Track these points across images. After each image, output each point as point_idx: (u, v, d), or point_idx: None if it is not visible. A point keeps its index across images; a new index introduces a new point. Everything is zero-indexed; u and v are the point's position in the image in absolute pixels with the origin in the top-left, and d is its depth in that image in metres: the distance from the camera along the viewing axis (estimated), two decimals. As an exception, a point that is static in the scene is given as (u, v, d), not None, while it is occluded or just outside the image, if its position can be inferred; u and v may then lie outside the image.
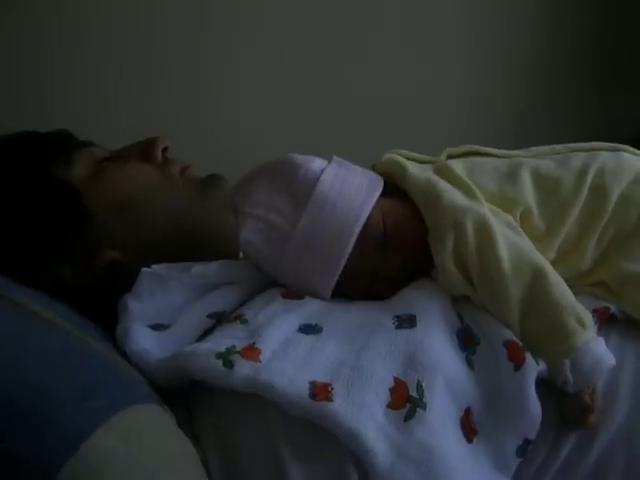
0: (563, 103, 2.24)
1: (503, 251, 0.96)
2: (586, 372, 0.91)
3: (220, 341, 0.91)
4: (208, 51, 2.10)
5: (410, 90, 2.25)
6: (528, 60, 2.25)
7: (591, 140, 1.16)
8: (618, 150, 1.12)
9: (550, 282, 0.95)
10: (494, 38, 2.24)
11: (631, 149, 1.13)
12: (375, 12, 2.18)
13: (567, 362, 0.91)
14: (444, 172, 1.07)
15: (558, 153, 1.13)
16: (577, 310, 0.94)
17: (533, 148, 1.15)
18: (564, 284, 0.97)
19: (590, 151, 1.12)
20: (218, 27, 2.07)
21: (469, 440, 0.90)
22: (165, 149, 1.21)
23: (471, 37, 2.24)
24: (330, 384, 0.85)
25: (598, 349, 0.93)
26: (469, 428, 0.90)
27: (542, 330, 0.93)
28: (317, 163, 1.05)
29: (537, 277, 0.95)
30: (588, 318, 0.94)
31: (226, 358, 0.87)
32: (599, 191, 1.04)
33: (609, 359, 0.93)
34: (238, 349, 0.88)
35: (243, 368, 0.86)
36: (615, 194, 1.04)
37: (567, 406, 0.93)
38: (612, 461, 0.94)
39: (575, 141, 1.16)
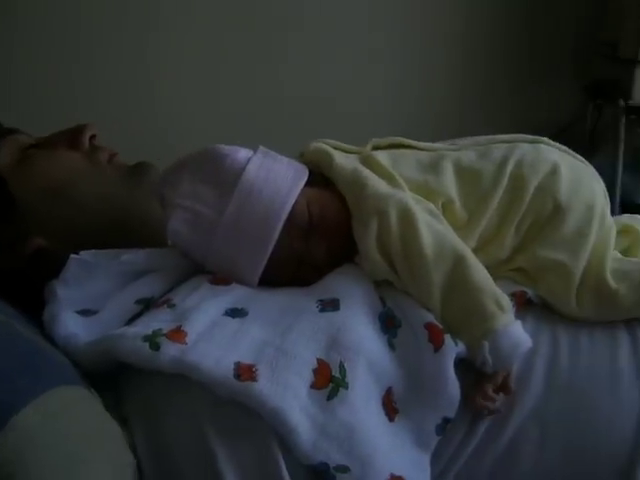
0: (491, 96, 2.30)
1: (426, 238, 0.99)
2: (504, 353, 0.95)
3: (147, 324, 0.92)
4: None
5: (332, 89, 2.28)
6: (447, 60, 2.30)
7: (513, 132, 1.20)
8: (537, 142, 1.16)
9: (470, 267, 0.99)
10: (413, 39, 2.29)
11: (548, 141, 1.17)
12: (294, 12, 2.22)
13: (486, 344, 0.94)
14: (369, 162, 1.10)
15: (480, 145, 1.16)
16: (496, 294, 0.98)
17: (456, 140, 1.18)
18: (484, 269, 1.00)
19: (510, 143, 1.15)
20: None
21: (390, 419, 0.92)
22: (93, 136, 1.21)
23: (390, 37, 2.28)
24: (254, 365, 0.87)
25: (516, 332, 0.96)
26: (390, 407, 0.93)
27: (462, 313, 0.97)
28: (243, 153, 1.07)
29: (458, 263, 0.99)
30: (506, 302, 0.98)
31: (152, 340, 0.88)
32: (518, 182, 1.08)
33: (526, 341, 0.96)
34: (164, 331, 0.89)
35: (169, 350, 0.87)
36: (532, 185, 1.08)
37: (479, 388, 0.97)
38: (525, 441, 0.98)
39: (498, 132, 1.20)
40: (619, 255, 1.12)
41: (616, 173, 1.98)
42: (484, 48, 2.26)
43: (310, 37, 2.23)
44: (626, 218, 1.22)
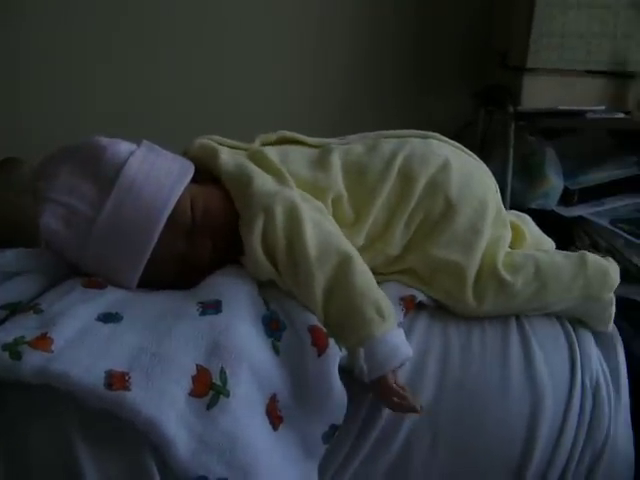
0: (386, 102, 2.30)
1: (310, 237, 0.96)
2: (379, 361, 0.91)
3: (9, 332, 0.84)
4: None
5: (230, 87, 2.25)
6: (350, 60, 2.29)
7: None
8: (428, 137, 1.15)
9: (355, 270, 0.95)
10: (315, 33, 2.27)
11: (440, 136, 1.16)
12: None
13: (362, 350, 0.91)
14: (257, 158, 1.06)
15: (369, 139, 1.14)
16: (378, 299, 0.95)
17: (346, 136, 1.16)
18: (369, 273, 0.98)
19: (401, 138, 1.13)
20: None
21: (275, 427, 0.88)
22: None
23: (294, 35, 2.26)
24: (128, 372, 0.81)
25: (395, 339, 0.94)
26: (275, 415, 0.89)
27: (342, 317, 0.93)
28: (124, 146, 1.00)
29: (342, 264, 0.95)
30: (388, 308, 0.95)
31: (13, 349, 0.81)
32: (407, 176, 1.06)
33: (406, 350, 0.94)
34: (27, 339, 0.82)
35: (32, 358, 0.80)
36: (422, 180, 1.06)
37: (373, 393, 0.94)
38: (417, 442, 0.96)
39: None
40: (509, 249, 1.11)
41: (506, 179, 2.01)
42: (374, 54, 2.27)
43: (212, 36, 2.20)
44: (512, 216, 1.22)
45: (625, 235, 2.06)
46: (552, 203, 2.11)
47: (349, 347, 0.92)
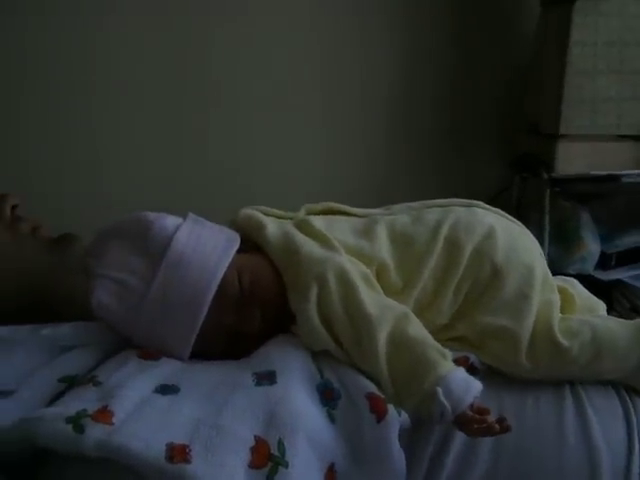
0: (423, 169, 2.34)
1: (366, 298, 0.97)
2: (459, 395, 0.91)
3: (70, 405, 0.85)
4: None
5: (269, 153, 2.29)
6: (387, 124, 2.34)
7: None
8: (471, 206, 1.16)
9: (413, 322, 0.97)
10: (352, 99, 2.32)
11: (483, 204, 1.17)
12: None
13: (439, 390, 0.90)
14: (303, 227, 1.07)
15: (414, 209, 1.15)
16: (437, 344, 0.96)
17: (390, 206, 1.17)
18: (422, 326, 0.99)
19: (445, 207, 1.15)
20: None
21: None
22: (14, 206, 1.15)
23: (328, 100, 2.31)
24: (188, 445, 0.81)
25: (463, 373, 0.94)
26: None
27: (408, 366, 0.93)
28: (171, 220, 1.02)
29: (401, 318, 0.96)
30: (447, 351, 0.96)
31: (76, 422, 0.81)
32: (453, 245, 1.07)
33: (476, 382, 0.94)
34: (89, 412, 0.83)
35: (95, 432, 0.81)
36: (469, 248, 1.07)
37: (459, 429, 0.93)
38: None
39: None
40: (561, 314, 1.11)
41: (543, 244, 2.01)
42: (411, 122, 2.31)
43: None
44: (558, 280, 1.22)
45: (664, 297, 2.05)
46: (590, 268, 2.11)
47: (423, 393, 0.91)
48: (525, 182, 2.26)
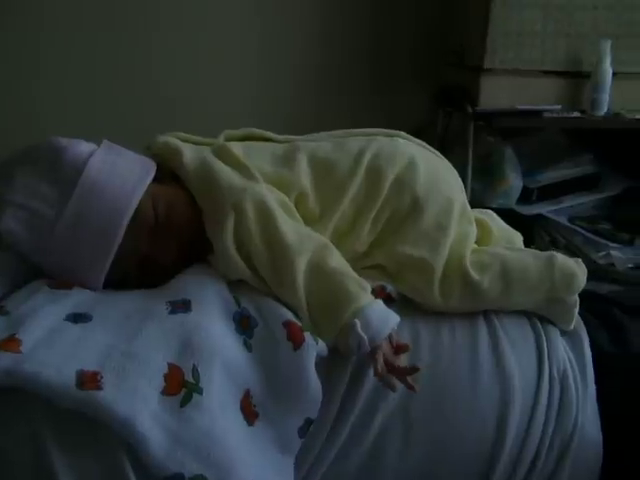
0: (342, 102, 2.32)
1: (285, 227, 0.96)
2: (376, 327, 0.92)
3: None
4: None
5: (200, 89, 2.25)
6: (304, 61, 2.31)
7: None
8: (394, 136, 1.16)
9: (333, 253, 0.97)
10: (280, 41, 2.29)
11: (406, 135, 1.17)
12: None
13: (357, 322, 0.91)
14: (222, 153, 1.05)
15: (337, 137, 1.14)
16: (356, 277, 0.97)
17: (313, 134, 1.16)
18: (343, 258, 0.99)
19: (368, 136, 1.14)
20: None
21: (250, 423, 0.88)
22: None
23: (261, 39, 2.28)
24: (99, 372, 0.80)
25: (381, 306, 0.95)
26: (249, 411, 0.88)
27: (328, 297, 0.94)
28: (84, 146, 0.99)
29: (321, 248, 0.97)
30: (366, 283, 0.97)
31: None
32: (374, 174, 1.06)
33: (393, 315, 0.95)
34: None
35: (1, 360, 0.78)
36: (390, 177, 1.07)
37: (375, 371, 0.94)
38: (390, 436, 0.97)
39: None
40: (475, 246, 1.12)
41: (466, 179, 2.02)
42: (328, 54, 2.30)
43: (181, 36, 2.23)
44: (477, 212, 1.23)
45: (583, 232, 2.10)
46: (512, 202, 2.14)
47: (341, 324, 0.92)
48: (449, 116, 2.26)
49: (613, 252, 2.00)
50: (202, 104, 2.25)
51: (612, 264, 1.98)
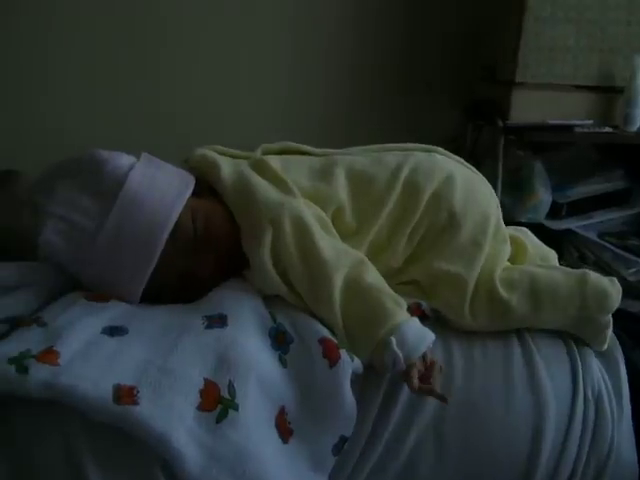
0: (373, 116, 2.31)
1: (322, 243, 0.96)
2: (412, 344, 0.92)
3: (13, 346, 0.83)
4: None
5: (230, 90, 2.25)
6: (335, 77, 2.31)
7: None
8: (431, 151, 1.15)
9: (369, 269, 0.97)
10: (314, 42, 2.29)
11: (442, 150, 1.17)
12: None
13: (393, 339, 0.91)
14: (260, 167, 1.05)
15: (373, 152, 1.14)
16: (393, 293, 0.96)
17: (349, 148, 1.16)
18: (378, 273, 0.99)
19: (405, 151, 1.14)
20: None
21: (284, 440, 0.87)
22: None
23: (291, 39, 2.28)
24: (135, 387, 0.80)
25: (417, 324, 0.95)
26: (284, 428, 0.88)
27: (364, 313, 0.94)
28: (125, 159, 0.99)
29: (357, 264, 0.96)
30: (402, 300, 0.96)
31: (19, 363, 0.79)
32: (412, 189, 1.06)
33: (429, 333, 0.95)
34: (34, 353, 0.81)
35: (39, 372, 0.79)
36: (427, 192, 1.06)
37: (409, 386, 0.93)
38: (423, 454, 0.96)
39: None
40: (508, 264, 1.11)
41: (496, 193, 2.00)
42: (361, 68, 2.29)
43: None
44: (511, 230, 1.22)
45: (612, 248, 2.08)
46: (541, 217, 2.12)
47: (377, 342, 0.92)
48: (479, 130, 2.25)
49: (643, 269, 1.98)
50: (232, 106, 2.26)
51: (642, 281, 1.96)
